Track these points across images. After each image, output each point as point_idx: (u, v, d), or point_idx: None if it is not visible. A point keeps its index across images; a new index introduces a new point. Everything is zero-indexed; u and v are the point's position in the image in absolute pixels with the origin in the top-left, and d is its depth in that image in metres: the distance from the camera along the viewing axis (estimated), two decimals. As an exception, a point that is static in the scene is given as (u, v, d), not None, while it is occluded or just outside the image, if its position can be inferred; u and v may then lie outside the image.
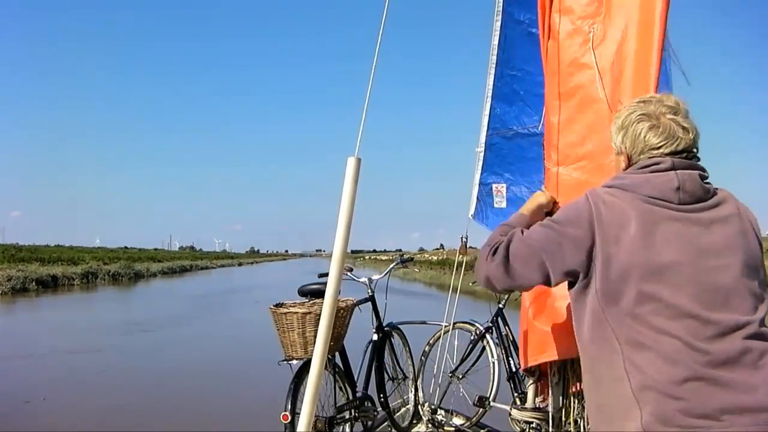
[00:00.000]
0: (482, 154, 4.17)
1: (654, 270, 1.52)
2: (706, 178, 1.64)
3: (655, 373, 1.50)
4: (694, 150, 1.65)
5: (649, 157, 1.64)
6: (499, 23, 3.88)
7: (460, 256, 4.28)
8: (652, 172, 1.61)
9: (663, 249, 1.53)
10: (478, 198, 4.23)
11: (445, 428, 4.22)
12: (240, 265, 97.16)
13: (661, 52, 2.07)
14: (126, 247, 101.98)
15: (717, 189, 1.65)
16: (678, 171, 1.59)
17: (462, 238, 4.36)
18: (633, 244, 1.54)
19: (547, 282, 1.69)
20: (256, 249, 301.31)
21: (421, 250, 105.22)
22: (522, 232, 1.74)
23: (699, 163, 1.66)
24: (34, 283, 28.85)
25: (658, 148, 1.62)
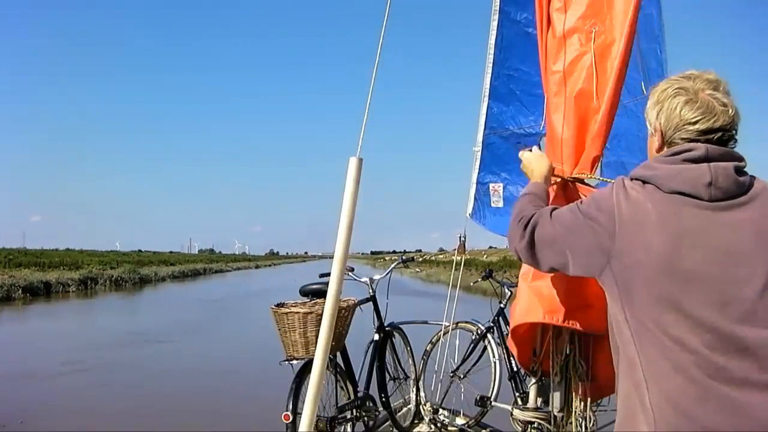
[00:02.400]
0: (479, 154, 4.18)
1: (678, 278, 1.44)
2: (743, 167, 1.51)
3: (670, 387, 1.44)
4: (733, 131, 1.54)
5: (683, 138, 1.53)
6: (495, 23, 3.89)
7: (458, 255, 4.30)
8: (684, 161, 1.50)
9: (689, 255, 1.44)
10: (475, 197, 4.24)
11: (447, 428, 4.23)
12: (257, 267, 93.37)
13: (627, 49, 2.09)
14: (140, 251, 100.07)
15: (754, 180, 1.52)
16: (712, 164, 1.47)
17: (460, 237, 4.38)
18: (657, 250, 1.46)
19: (566, 269, 1.67)
20: (275, 251, 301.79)
21: (441, 250, 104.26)
22: (550, 214, 1.73)
23: (735, 148, 1.54)
24: (21, 291, 25.64)
25: (694, 123, 1.51)
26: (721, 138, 1.51)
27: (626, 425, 1.55)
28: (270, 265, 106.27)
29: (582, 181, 2.25)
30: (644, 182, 1.55)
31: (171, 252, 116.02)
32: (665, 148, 1.58)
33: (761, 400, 1.38)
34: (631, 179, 1.59)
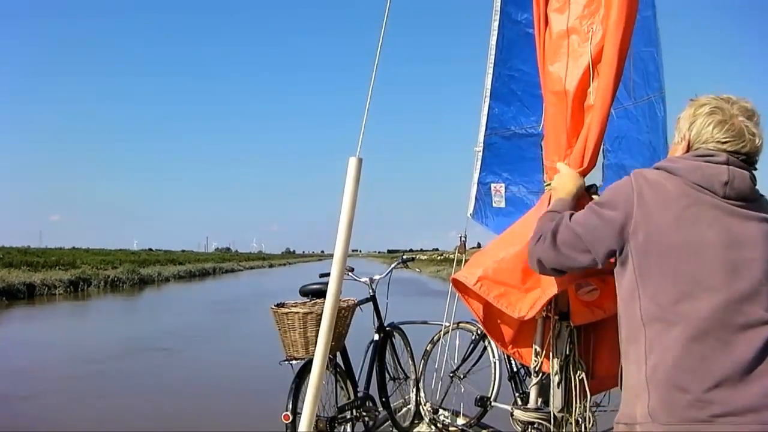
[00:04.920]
0: (480, 154, 4.18)
1: (692, 250, 1.54)
2: (755, 183, 1.65)
3: (670, 361, 1.51)
4: (755, 159, 1.67)
5: (708, 148, 1.64)
6: (497, 23, 3.90)
7: (459, 254, 4.29)
8: (705, 161, 1.61)
9: (702, 231, 1.55)
10: (476, 197, 4.24)
11: (447, 428, 4.23)
12: (271, 266, 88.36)
13: (622, 49, 2.09)
14: (150, 249, 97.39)
15: (762, 196, 1.68)
16: (730, 167, 1.60)
17: (461, 237, 4.37)
18: (673, 223, 1.56)
19: (594, 264, 1.74)
20: (292, 250, 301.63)
21: None
22: (570, 218, 1.81)
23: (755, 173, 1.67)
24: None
25: (723, 143, 1.63)
26: (743, 161, 1.63)
27: (625, 407, 1.64)
28: (285, 264, 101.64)
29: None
30: (668, 172, 1.64)
31: (183, 251, 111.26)
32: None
33: (758, 376, 1.46)
34: (655, 169, 1.68)
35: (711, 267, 1.52)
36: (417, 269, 5.89)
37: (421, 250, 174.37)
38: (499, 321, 2.43)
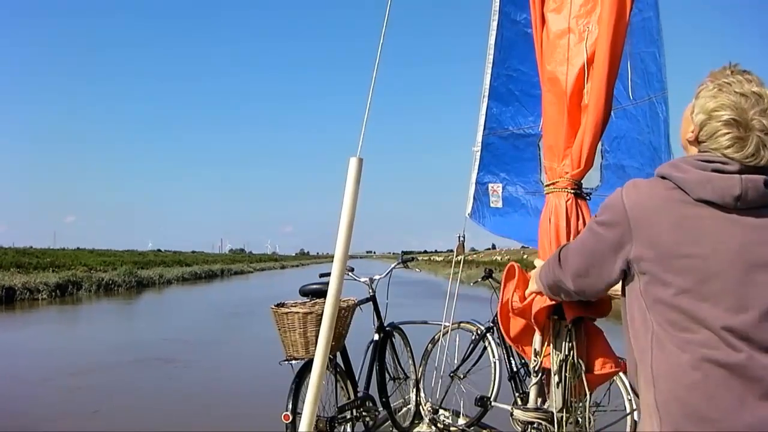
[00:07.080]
0: (479, 154, 4.19)
1: (699, 277, 1.42)
2: None
3: (680, 385, 1.43)
4: None
5: (713, 149, 1.48)
6: (495, 23, 3.90)
7: (457, 255, 4.30)
8: (714, 171, 1.45)
9: (710, 256, 1.42)
10: (474, 197, 4.24)
11: (447, 428, 4.23)
12: (283, 267, 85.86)
13: (614, 48, 2.09)
14: (159, 250, 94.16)
15: None
16: (743, 176, 1.43)
17: (459, 237, 4.37)
18: (677, 243, 1.44)
19: (596, 287, 1.68)
20: (305, 251, 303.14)
21: (473, 250, 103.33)
22: (569, 246, 1.76)
23: None
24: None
25: (736, 160, 1.45)
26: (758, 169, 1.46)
27: (641, 422, 1.56)
28: (297, 266, 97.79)
29: (579, 192, 2.25)
30: (671, 182, 1.49)
31: (193, 252, 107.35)
32: (697, 147, 1.54)
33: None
34: (659, 177, 1.54)
35: (718, 297, 1.41)
36: (417, 269, 5.89)
37: (436, 251, 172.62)
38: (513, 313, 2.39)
